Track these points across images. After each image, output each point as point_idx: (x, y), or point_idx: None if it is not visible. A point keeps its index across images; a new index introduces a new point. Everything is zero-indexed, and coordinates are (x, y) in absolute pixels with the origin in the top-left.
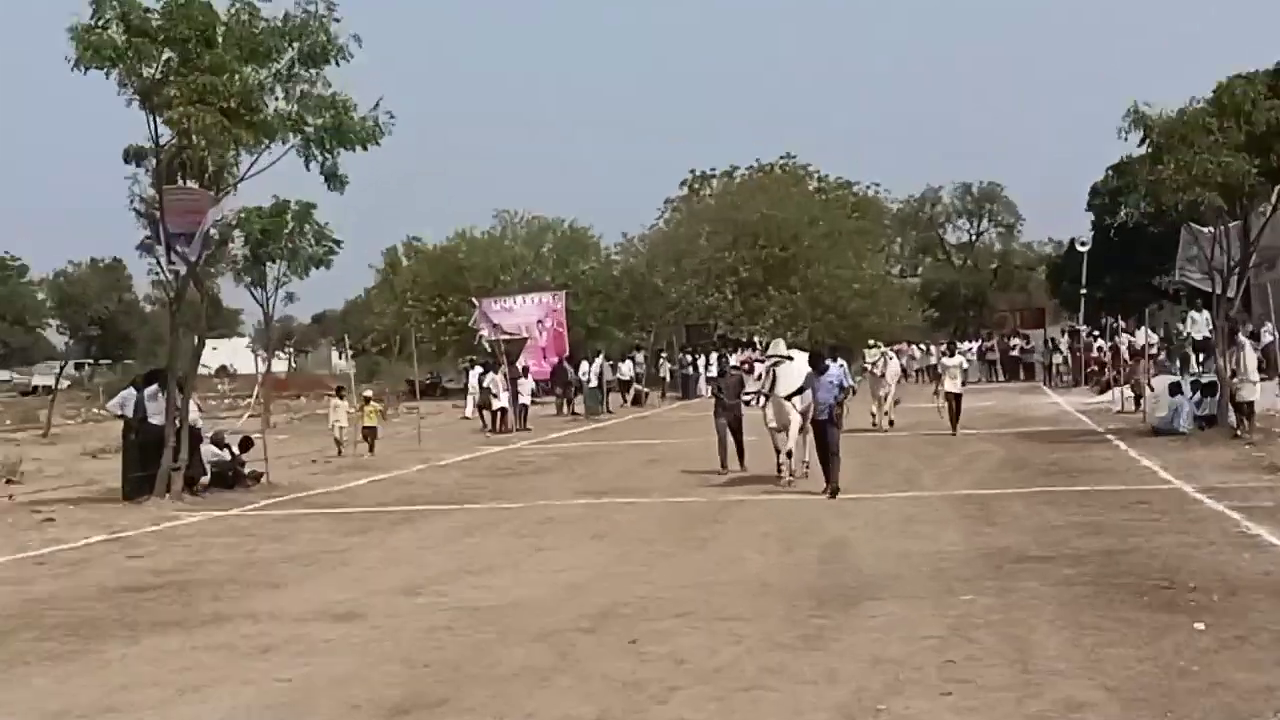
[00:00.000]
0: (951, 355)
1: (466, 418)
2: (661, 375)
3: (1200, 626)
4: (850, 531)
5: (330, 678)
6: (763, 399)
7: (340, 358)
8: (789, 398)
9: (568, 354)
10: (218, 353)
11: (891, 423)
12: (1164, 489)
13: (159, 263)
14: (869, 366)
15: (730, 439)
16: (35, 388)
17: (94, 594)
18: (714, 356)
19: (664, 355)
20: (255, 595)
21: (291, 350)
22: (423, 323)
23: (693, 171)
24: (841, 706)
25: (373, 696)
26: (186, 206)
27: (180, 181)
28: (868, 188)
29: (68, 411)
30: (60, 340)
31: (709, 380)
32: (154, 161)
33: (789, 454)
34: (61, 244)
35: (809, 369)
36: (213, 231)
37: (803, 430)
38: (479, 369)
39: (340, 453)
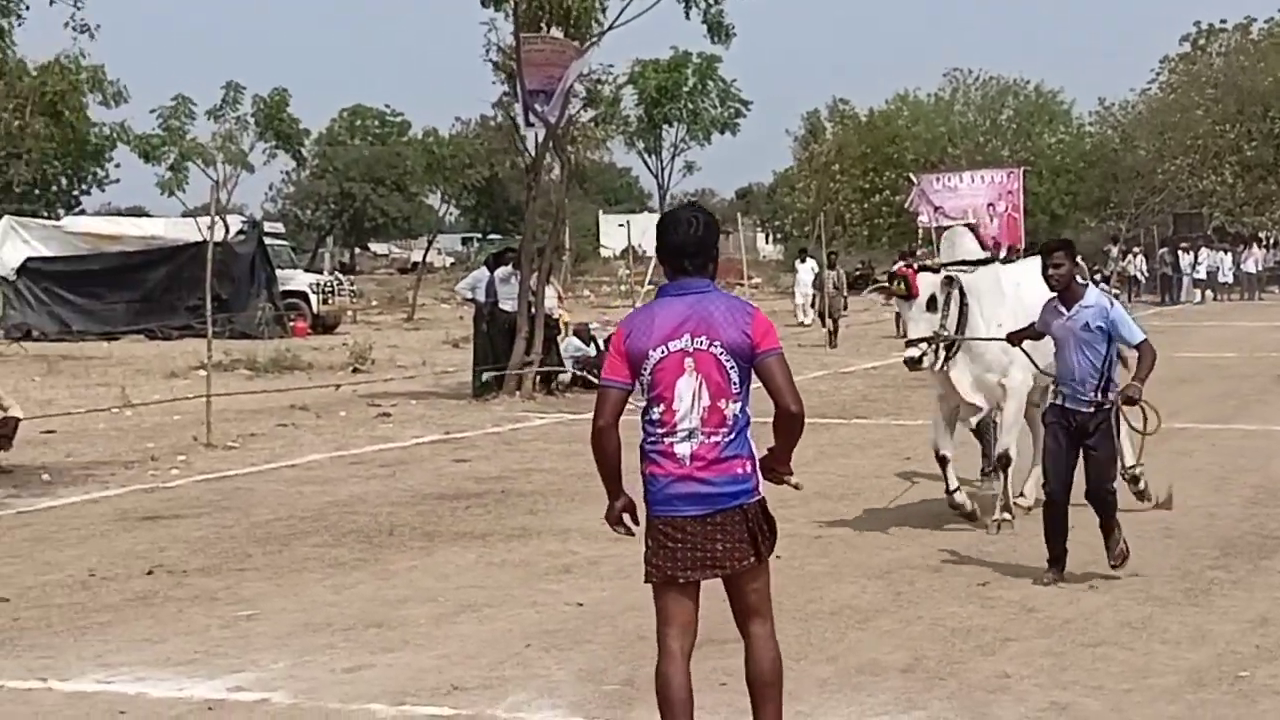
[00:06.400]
0: None
1: (804, 324)
2: (1131, 274)
3: None
4: None
5: (626, 604)
6: (940, 354)
7: (766, 241)
8: (1015, 343)
9: (1022, 245)
10: (623, 230)
11: None
12: None
13: (514, 123)
14: None
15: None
16: (415, 264)
17: (403, 499)
18: (1203, 253)
19: (1138, 250)
20: (575, 510)
21: None
22: (852, 202)
23: (1197, 24)
24: (1196, 670)
25: None
26: (546, 58)
27: (543, 29)
28: None
29: (441, 292)
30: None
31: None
32: (513, 5)
33: (1003, 462)
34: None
35: (1036, 289)
36: (578, 88)
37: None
38: (810, 260)
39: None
